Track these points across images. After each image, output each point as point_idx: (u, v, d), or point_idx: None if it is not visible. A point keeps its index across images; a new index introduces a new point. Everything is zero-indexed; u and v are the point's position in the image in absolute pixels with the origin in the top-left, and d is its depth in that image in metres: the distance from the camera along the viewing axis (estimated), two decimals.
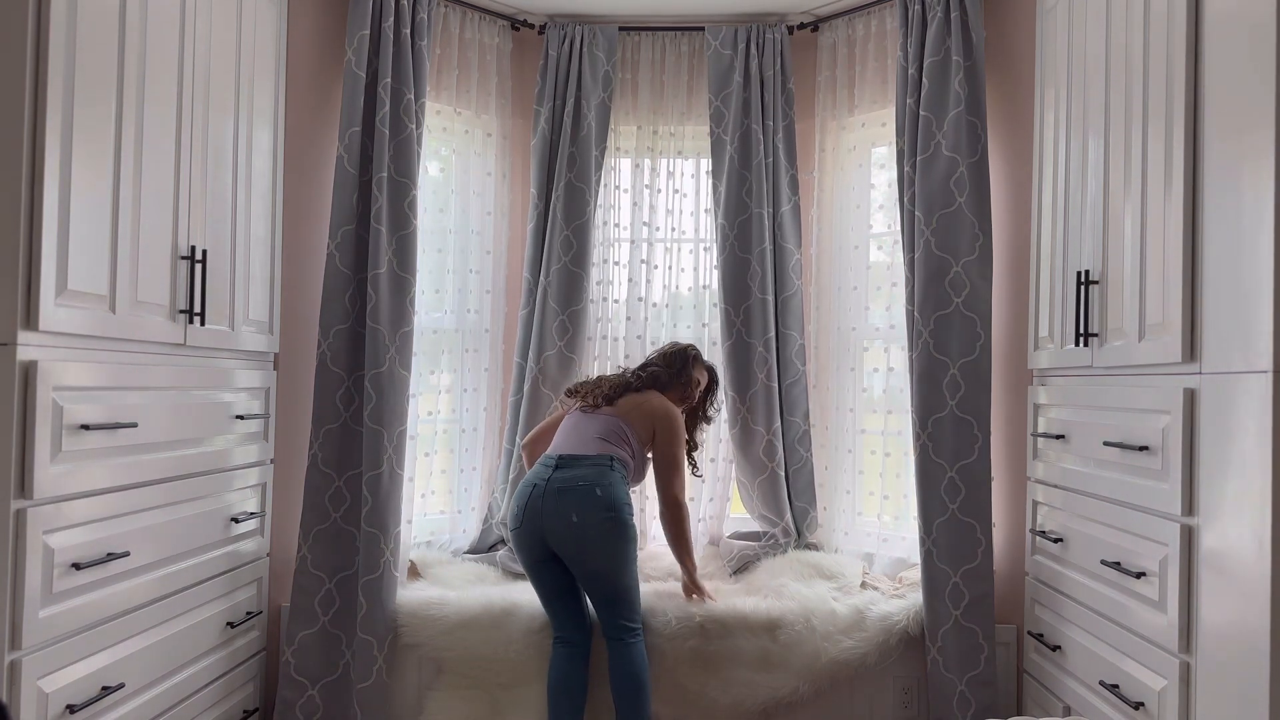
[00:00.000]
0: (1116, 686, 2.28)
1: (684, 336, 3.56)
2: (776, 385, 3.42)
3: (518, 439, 3.43)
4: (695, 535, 3.47)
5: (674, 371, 3.10)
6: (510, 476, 3.44)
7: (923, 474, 2.99)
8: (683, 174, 3.66)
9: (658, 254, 3.62)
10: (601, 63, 3.49)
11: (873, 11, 3.41)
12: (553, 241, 3.44)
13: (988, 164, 3.02)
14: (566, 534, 2.75)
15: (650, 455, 3.02)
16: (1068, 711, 2.56)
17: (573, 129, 3.46)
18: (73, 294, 2.00)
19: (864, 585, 3.22)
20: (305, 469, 3.03)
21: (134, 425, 2.21)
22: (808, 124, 3.58)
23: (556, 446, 2.93)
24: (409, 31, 3.12)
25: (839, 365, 3.53)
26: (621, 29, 3.57)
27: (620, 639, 2.80)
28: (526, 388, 3.42)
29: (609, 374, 3.18)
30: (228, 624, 2.75)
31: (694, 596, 3.00)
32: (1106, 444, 2.36)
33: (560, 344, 3.44)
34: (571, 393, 3.11)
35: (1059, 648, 2.64)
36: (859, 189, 3.53)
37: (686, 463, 3.09)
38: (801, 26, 3.54)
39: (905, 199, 3.10)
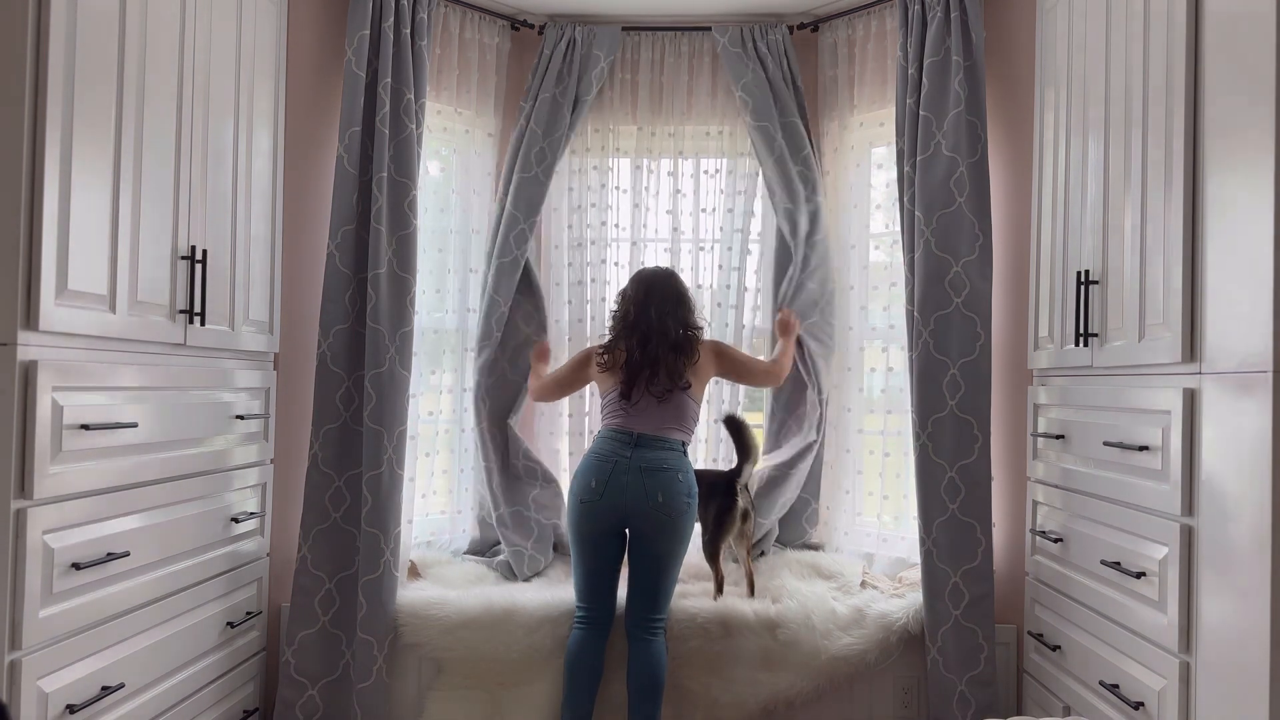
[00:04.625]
0: (1116, 686, 2.28)
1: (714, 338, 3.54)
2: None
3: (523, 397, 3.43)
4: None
5: (687, 328, 3.01)
6: (496, 482, 3.41)
7: (923, 474, 2.99)
8: (682, 174, 3.66)
9: (659, 255, 3.62)
10: (599, 60, 3.48)
11: (873, 11, 3.41)
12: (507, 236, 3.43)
13: (988, 164, 3.02)
14: (649, 513, 2.80)
15: (724, 378, 3.20)
16: (1068, 711, 2.56)
17: (566, 126, 3.45)
18: (73, 294, 2.00)
19: (864, 585, 3.23)
20: (305, 469, 3.03)
21: (134, 425, 2.21)
22: (807, 124, 3.58)
23: (630, 423, 2.89)
24: (409, 31, 3.12)
25: (839, 365, 3.53)
26: (622, 29, 3.57)
27: (647, 634, 2.83)
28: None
29: (633, 350, 2.94)
30: (228, 624, 2.75)
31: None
32: (1106, 444, 2.36)
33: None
34: (606, 366, 2.99)
35: (1059, 648, 2.64)
36: (859, 189, 3.53)
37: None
38: (801, 27, 3.55)
39: (905, 199, 3.10)
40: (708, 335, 3.49)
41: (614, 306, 3.10)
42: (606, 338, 3.10)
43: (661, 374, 2.91)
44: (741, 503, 3.08)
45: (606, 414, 2.98)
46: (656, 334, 2.93)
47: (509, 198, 3.42)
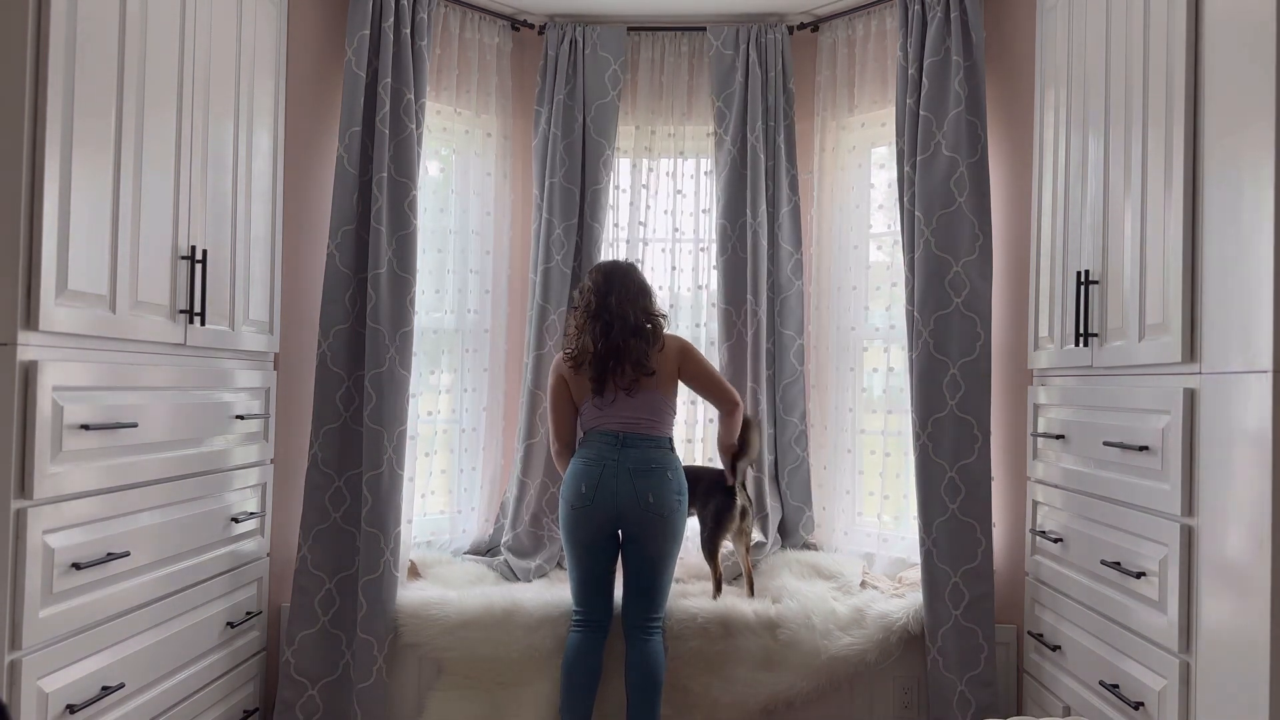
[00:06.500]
0: (1116, 686, 2.28)
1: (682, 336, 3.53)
2: (774, 384, 3.45)
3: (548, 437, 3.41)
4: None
5: (648, 317, 2.93)
6: (528, 499, 3.44)
7: (923, 474, 2.99)
8: (683, 174, 3.65)
9: (656, 254, 3.62)
10: (609, 63, 3.49)
11: (873, 11, 3.41)
12: (551, 241, 3.43)
13: (988, 164, 3.02)
14: (641, 514, 2.77)
15: (687, 385, 3.03)
16: (1068, 711, 2.56)
17: (580, 129, 3.46)
18: (73, 294, 2.00)
19: (864, 585, 3.23)
20: (305, 469, 3.03)
21: (134, 425, 2.21)
22: (807, 124, 3.58)
23: (610, 422, 2.85)
24: (409, 31, 3.12)
25: (839, 365, 3.53)
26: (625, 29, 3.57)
27: (645, 632, 2.83)
28: (531, 386, 3.44)
29: (597, 339, 2.86)
30: (228, 624, 2.75)
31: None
32: (1106, 444, 2.36)
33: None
34: (577, 363, 2.90)
35: (1059, 648, 2.64)
36: (859, 189, 3.53)
37: None
38: (801, 26, 3.55)
39: (905, 199, 3.10)
40: (706, 338, 3.52)
41: (573, 302, 3.01)
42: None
43: (626, 365, 2.83)
44: (740, 500, 3.07)
45: (586, 417, 2.92)
46: (618, 320, 2.85)
47: (544, 205, 3.44)
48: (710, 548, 3.08)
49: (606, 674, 2.91)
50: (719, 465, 3.25)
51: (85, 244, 2.03)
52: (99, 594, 2.13)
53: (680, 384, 2.99)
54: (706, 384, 3.01)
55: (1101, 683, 2.35)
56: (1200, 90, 2.03)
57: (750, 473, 3.39)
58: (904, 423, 3.27)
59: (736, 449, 3.06)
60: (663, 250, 3.64)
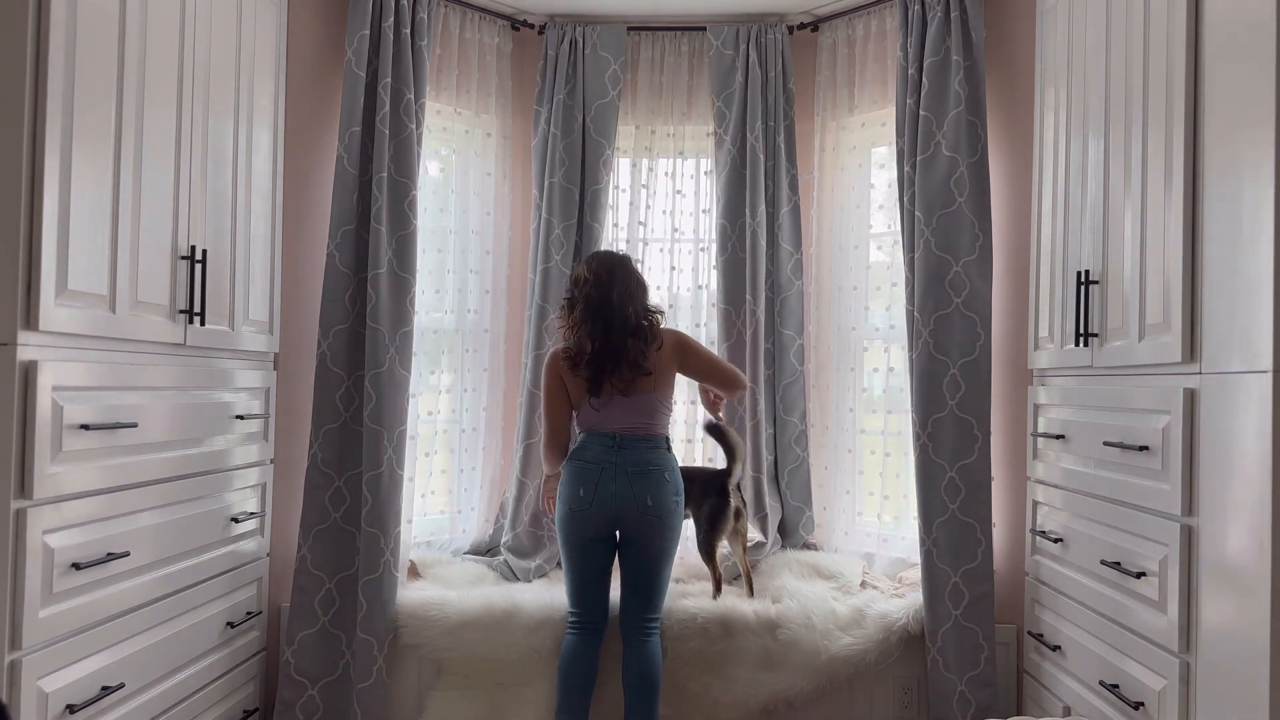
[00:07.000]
0: (1116, 686, 2.28)
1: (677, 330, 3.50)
2: (774, 384, 3.45)
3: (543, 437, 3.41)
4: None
5: (646, 315, 2.89)
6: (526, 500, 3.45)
7: (923, 474, 2.99)
8: (683, 174, 3.65)
9: (655, 254, 3.62)
10: (609, 63, 3.49)
11: (873, 11, 3.41)
12: (551, 241, 3.44)
13: (988, 164, 3.02)
14: (639, 517, 2.77)
15: (693, 379, 3.05)
16: (1068, 711, 2.56)
17: (580, 129, 3.46)
18: (73, 294, 2.00)
19: (864, 585, 3.23)
20: (305, 469, 3.03)
21: (134, 425, 2.21)
22: (807, 124, 3.58)
23: (609, 423, 2.82)
24: (409, 31, 3.12)
25: (839, 365, 3.53)
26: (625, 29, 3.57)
27: (643, 633, 2.82)
28: (530, 386, 3.44)
29: (596, 338, 2.80)
30: (228, 624, 2.75)
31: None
32: (1106, 444, 2.36)
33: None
34: (575, 361, 2.83)
35: (1059, 648, 2.64)
36: (859, 189, 3.53)
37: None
38: (801, 26, 3.55)
39: (905, 199, 3.11)
40: (706, 338, 3.52)
41: (567, 292, 2.94)
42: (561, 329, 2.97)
43: (624, 366, 2.79)
44: (734, 502, 3.07)
45: (582, 417, 2.90)
46: (618, 318, 2.78)
47: (543, 204, 3.44)
48: (707, 549, 3.08)
49: (605, 675, 2.91)
50: (715, 465, 3.26)
51: (85, 243, 2.03)
52: (99, 594, 2.13)
53: (681, 380, 2.98)
54: (711, 374, 3.00)
55: (1101, 683, 2.35)
56: (1200, 90, 2.03)
57: (749, 473, 3.40)
58: (904, 423, 3.27)
59: (728, 455, 3.07)
60: (662, 250, 3.64)
